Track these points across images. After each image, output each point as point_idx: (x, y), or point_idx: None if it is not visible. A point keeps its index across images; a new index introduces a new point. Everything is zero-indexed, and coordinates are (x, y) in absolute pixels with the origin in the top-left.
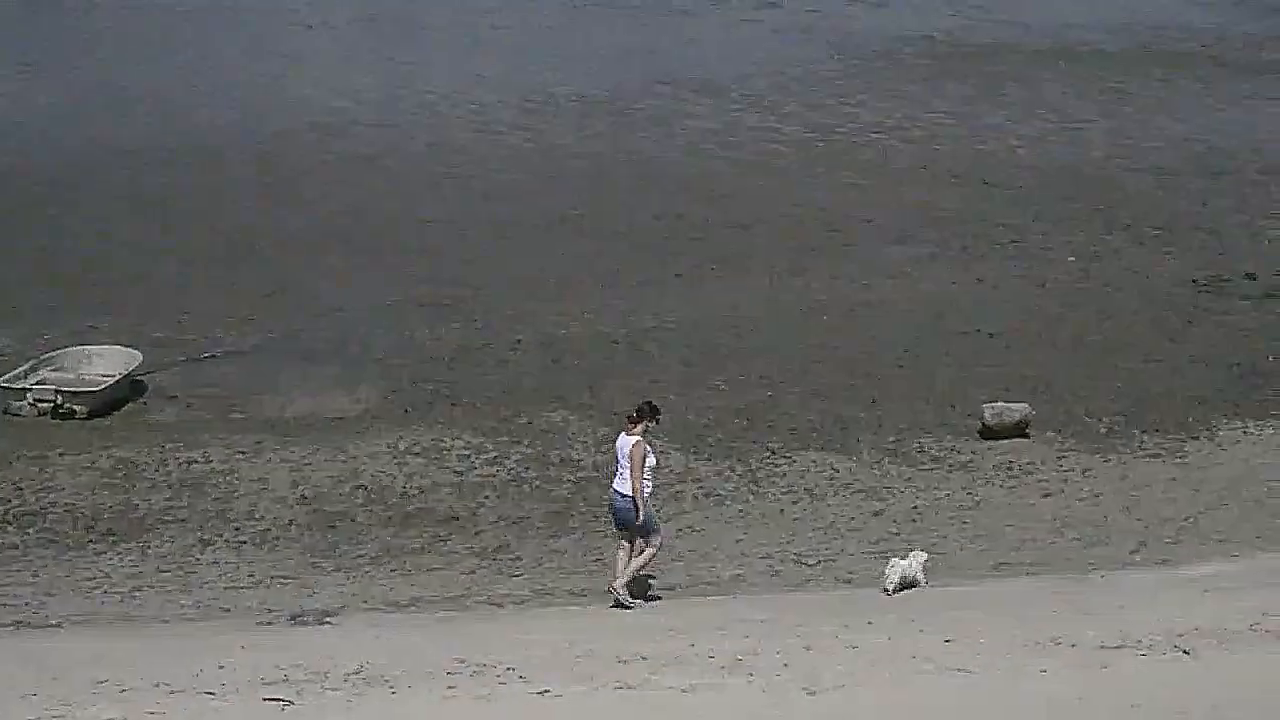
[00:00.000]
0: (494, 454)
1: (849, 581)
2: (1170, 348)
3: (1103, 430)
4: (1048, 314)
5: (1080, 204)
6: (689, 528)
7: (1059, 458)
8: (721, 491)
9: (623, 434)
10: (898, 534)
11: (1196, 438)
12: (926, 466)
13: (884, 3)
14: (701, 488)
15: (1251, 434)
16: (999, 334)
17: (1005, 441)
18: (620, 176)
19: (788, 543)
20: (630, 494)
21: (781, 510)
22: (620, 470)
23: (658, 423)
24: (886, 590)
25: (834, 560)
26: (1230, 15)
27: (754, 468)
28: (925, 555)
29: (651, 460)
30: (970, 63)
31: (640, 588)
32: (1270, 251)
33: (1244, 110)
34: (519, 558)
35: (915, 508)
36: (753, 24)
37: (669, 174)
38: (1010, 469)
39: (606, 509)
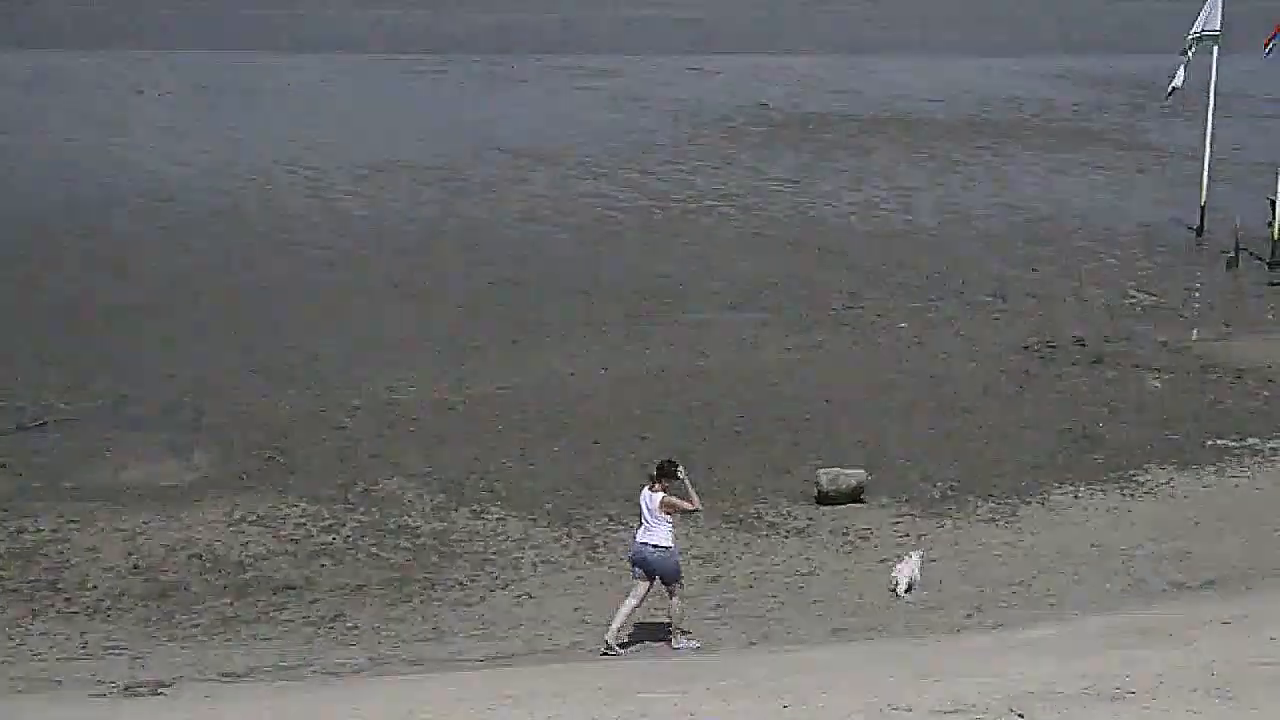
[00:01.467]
0: (330, 522)
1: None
2: (1002, 413)
3: (937, 495)
4: (882, 380)
5: (912, 270)
6: (526, 594)
7: (894, 523)
8: (559, 558)
9: (646, 490)
10: (735, 600)
11: (1029, 502)
12: (763, 532)
13: (719, 71)
14: (539, 554)
15: (1083, 498)
16: (834, 400)
17: (841, 507)
18: (454, 243)
19: None
20: (659, 544)
21: (619, 577)
22: (647, 524)
23: (678, 478)
24: (896, 593)
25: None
26: (1056, 86)
27: (592, 534)
28: (920, 554)
29: (682, 502)
30: (803, 131)
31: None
32: (1098, 317)
33: (1070, 178)
34: (355, 626)
35: (752, 574)
36: (588, 91)
37: (504, 241)
38: (846, 534)
39: (629, 561)
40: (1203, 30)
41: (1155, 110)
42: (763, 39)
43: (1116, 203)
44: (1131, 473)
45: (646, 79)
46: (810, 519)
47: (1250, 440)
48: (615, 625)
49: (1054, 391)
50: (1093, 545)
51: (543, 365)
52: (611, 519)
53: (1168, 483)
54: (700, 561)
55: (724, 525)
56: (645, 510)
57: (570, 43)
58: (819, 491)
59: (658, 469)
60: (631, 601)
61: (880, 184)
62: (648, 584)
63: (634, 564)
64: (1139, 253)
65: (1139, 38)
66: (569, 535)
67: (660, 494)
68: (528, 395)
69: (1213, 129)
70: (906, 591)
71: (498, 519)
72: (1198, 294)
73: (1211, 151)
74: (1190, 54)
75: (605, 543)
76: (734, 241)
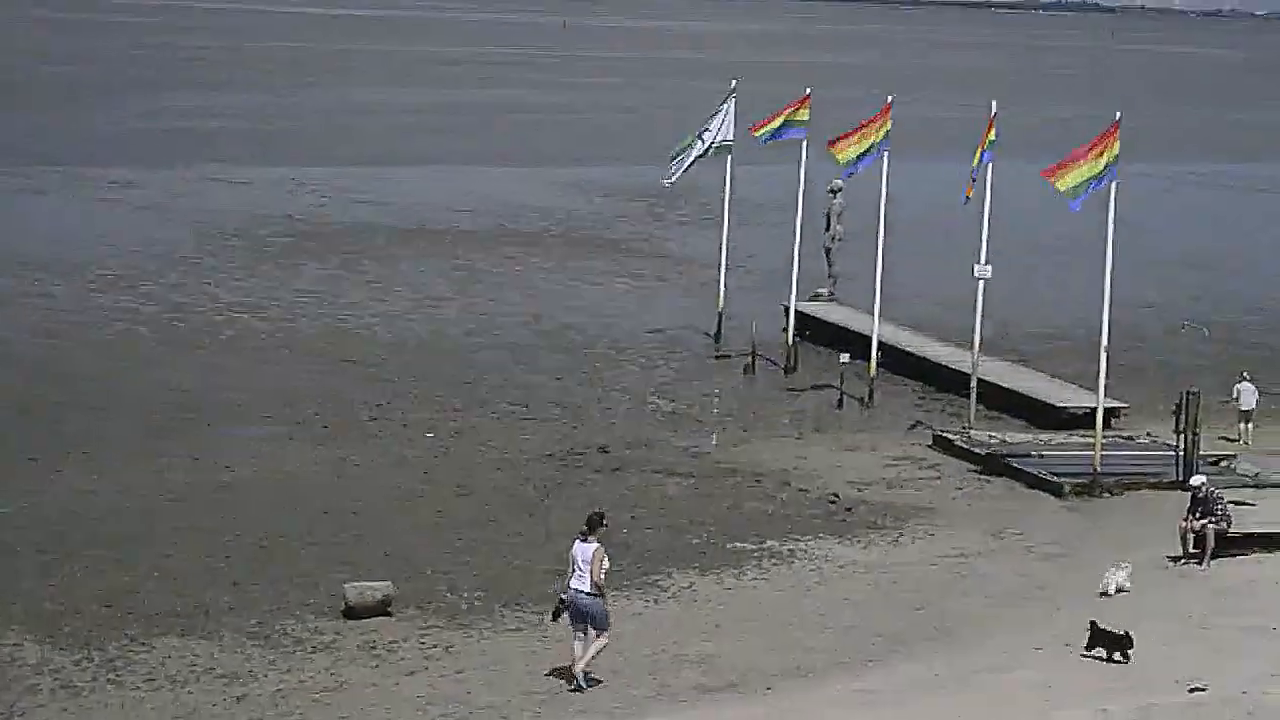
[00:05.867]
0: None
1: None
2: (529, 522)
3: (464, 606)
4: (408, 491)
5: (438, 380)
6: None
7: (422, 635)
8: (79, 682)
9: (578, 542)
10: (261, 718)
11: None
12: (289, 648)
13: (247, 182)
14: (58, 679)
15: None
16: (360, 512)
17: (369, 620)
18: None
19: None
20: (591, 590)
21: (141, 699)
22: (579, 572)
23: (605, 527)
24: (1107, 593)
25: None
26: (576, 197)
27: (113, 656)
28: (1130, 566)
29: (606, 563)
30: (330, 241)
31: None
32: (620, 427)
33: (593, 287)
34: None
35: (279, 691)
36: (110, 203)
37: (18, 355)
38: (374, 648)
39: (567, 606)
40: (717, 140)
41: (674, 219)
42: (290, 150)
43: (637, 311)
44: (655, 578)
45: (169, 190)
46: (338, 633)
47: (769, 542)
48: (579, 666)
49: (578, 499)
50: (618, 652)
51: (62, 484)
52: (133, 640)
53: (689, 586)
54: (225, 680)
55: (249, 642)
56: (579, 560)
57: (91, 154)
58: (346, 605)
59: (588, 523)
60: (578, 645)
61: (406, 294)
62: (585, 625)
63: (571, 615)
64: (660, 360)
65: (655, 148)
66: (89, 658)
67: (594, 545)
68: (45, 515)
69: (728, 237)
70: (1117, 592)
71: (14, 644)
72: (717, 400)
73: (727, 259)
74: (690, 156)
75: (127, 664)
76: (258, 353)
